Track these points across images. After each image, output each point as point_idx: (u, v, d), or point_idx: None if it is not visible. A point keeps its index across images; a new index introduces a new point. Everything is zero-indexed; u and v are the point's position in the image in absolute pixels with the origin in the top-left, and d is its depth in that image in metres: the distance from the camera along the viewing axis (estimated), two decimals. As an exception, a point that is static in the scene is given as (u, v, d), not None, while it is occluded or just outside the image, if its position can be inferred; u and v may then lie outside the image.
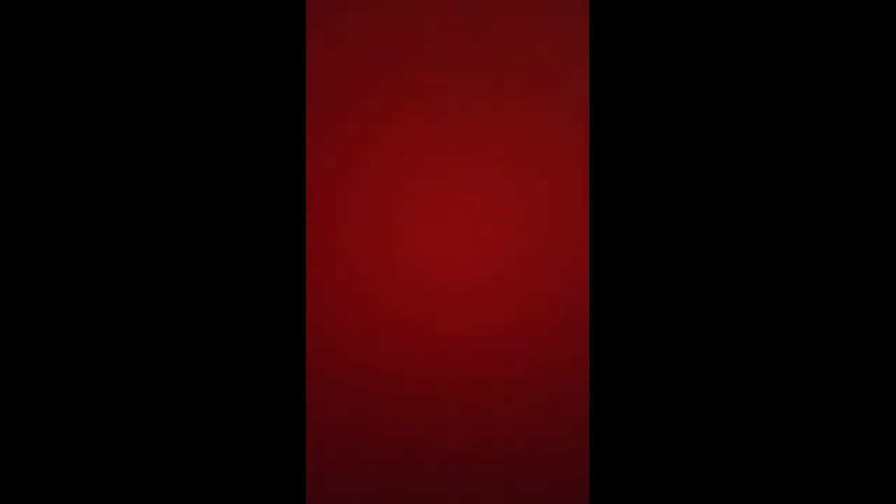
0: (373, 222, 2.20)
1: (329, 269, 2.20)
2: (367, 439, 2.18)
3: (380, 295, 2.20)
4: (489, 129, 2.21)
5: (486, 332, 2.20)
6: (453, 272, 2.21)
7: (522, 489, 2.19)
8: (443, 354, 2.21)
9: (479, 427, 2.20)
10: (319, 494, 2.17)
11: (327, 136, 2.21)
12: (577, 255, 2.19)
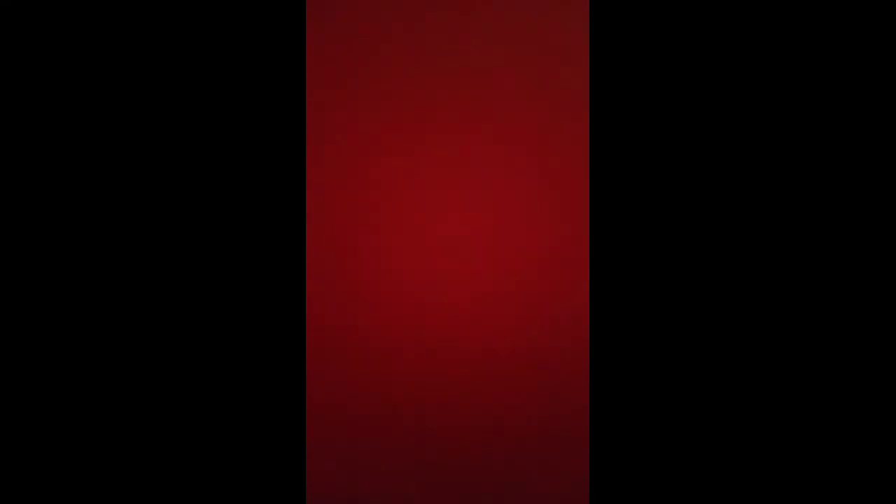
0: (372, 222, 2.20)
1: (329, 269, 2.20)
2: (367, 438, 2.18)
3: (379, 294, 2.20)
4: (489, 128, 2.21)
5: (487, 333, 2.20)
6: (453, 272, 2.21)
7: (522, 489, 2.19)
8: (443, 354, 2.21)
9: (479, 427, 2.20)
10: (319, 494, 2.17)
11: (327, 135, 2.21)
12: (577, 255, 2.19)
